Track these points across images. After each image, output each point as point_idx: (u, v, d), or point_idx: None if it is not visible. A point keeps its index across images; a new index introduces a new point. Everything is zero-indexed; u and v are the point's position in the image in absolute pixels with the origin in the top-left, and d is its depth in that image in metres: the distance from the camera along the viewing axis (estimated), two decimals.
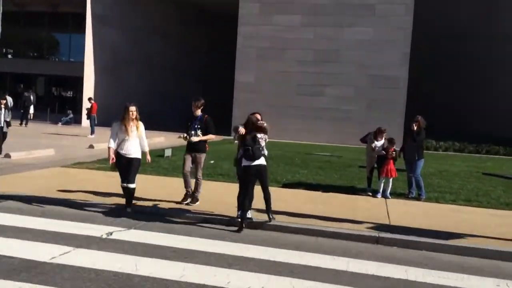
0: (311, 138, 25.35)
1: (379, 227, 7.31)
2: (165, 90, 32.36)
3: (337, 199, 9.44)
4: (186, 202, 8.19)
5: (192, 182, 8.33)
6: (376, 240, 6.76)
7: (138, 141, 7.63)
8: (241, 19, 26.47)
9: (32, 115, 25.97)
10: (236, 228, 7.02)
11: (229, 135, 25.74)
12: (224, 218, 7.40)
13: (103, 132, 23.38)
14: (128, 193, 7.57)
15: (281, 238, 6.72)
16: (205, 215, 7.54)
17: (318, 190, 10.27)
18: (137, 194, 7.94)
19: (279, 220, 7.30)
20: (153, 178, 10.53)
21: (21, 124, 24.78)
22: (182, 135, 8.25)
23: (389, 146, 9.84)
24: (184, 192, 8.37)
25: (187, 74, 34.27)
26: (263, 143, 7.14)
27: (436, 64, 33.56)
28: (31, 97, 26.05)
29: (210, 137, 8.34)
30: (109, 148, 7.60)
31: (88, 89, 27.89)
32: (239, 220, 7.11)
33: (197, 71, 35.51)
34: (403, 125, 24.37)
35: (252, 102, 25.93)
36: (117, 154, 7.55)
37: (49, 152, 14.32)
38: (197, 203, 8.21)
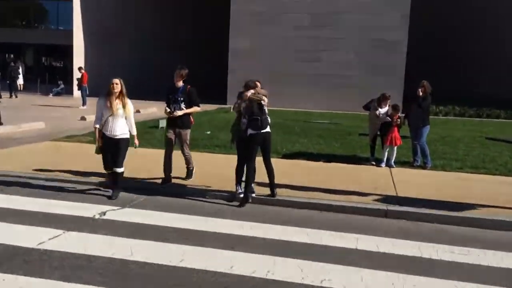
0: (309, 105, 24.86)
1: (387, 199, 6.96)
2: (158, 59, 31.53)
3: (340, 170, 9.06)
4: (163, 185, 7.43)
5: (180, 157, 7.79)
6: (385, 214, 6.42)
7: (124, 120, 6.69)
8: None
9: (21, 86, 25.28)
10: (237, 204, 6.65)
11: (224, 103, 25.27)
12: (224, 193, 7.03)
13: (96, 103, 22.75)
14: (115, 177, 6.74)
15: (285, 214, 6.36)
16: (203, 190, 7.16)
17: (319, 160, 9.88)
18: (130, 169, 7.51)
19: (281, 194, 6.94)
20: (147, 151, 10.09)
21: (10, 96, 24.11)
22: (166, 110, 7.42)
23: (393, 113, 9.41)
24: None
25: (180, 41, 33.35)
26: (266, 109, 6.74)
27: (437, 27, 32.78)
28: (19, 68, 25.28)
29: (196, 109, 7.63)
30: (95, 128, 6.73)
31: (78, 57, 27.12)
32: (240, 194, 6.74)
33: (190, 38, 34.56)
34: (403, 90, 23.92)
35: (247, 69, 25.22)
36: (102, 135, 6.67)
37: (40, 125, 13.83)
38: (192, 177, 7.81)
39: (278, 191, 6.95)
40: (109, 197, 6.71)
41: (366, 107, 10.00)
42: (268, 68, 25.07)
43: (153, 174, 7.93)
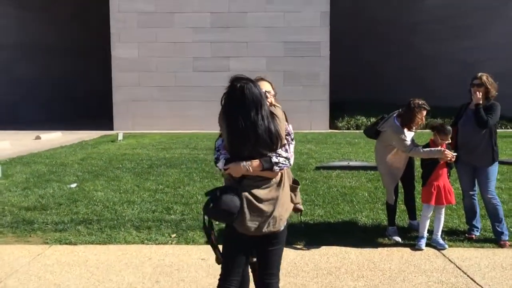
0: (215, 126, 19.92)
1: None
2: (29, 74, 24.42)
3: (350, 265, 4.29)
4: None
5: None
6: None
7: None
8: None
9: None
10: None
11: (110, 129, 19.53)
12: None
13: None
14: None
15: None
16: None
17: (298, 241, 5.04)
18: None
19: None
20: None
21: None
22: None
23: (440, 138, 4.82)
24: None
25: (55, 52, 26.40)
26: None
27: (361, 24, 29.45)
28: None
29: None
30: None
31: None
32: None
33: (64, 44, 27.59)
34: (329, 101, 20.11)
35: (137, 83, 19.92)
36: None
37: None
38: None
39: None
40: None
41: (372, 132, 5.34)
42: (161, 81, 19.88)
43: None
